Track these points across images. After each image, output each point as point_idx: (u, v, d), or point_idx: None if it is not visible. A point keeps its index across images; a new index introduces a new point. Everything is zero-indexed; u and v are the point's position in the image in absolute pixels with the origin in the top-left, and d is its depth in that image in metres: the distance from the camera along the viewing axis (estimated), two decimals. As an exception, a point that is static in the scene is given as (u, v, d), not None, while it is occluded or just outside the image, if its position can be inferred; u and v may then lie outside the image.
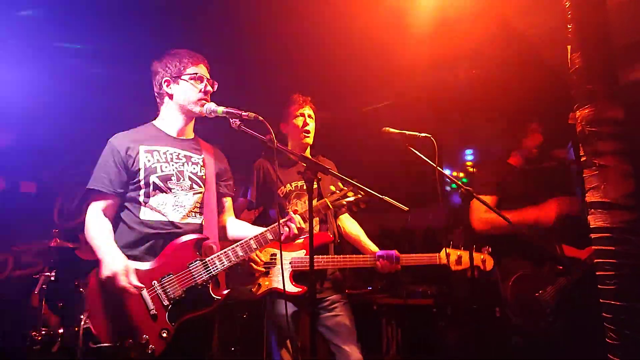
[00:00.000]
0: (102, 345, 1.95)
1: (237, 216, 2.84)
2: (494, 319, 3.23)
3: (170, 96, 2.31)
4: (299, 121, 2.94)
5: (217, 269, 2.17)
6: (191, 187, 2.27)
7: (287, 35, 3.93)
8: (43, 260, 4.29)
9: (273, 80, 4.63)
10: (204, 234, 2.24)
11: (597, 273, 2.14)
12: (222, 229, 2.46)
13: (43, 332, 3.54)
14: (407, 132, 2.66)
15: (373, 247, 2.91)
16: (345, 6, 3.45)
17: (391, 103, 4.96)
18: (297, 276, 2.68)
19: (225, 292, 2.18)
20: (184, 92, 2.28)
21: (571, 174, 4.21)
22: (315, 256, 2.65)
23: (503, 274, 3.11)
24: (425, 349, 4.80)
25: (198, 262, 2.14)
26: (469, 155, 6.01)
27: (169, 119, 2.35)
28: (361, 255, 2.84)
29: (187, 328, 2.09)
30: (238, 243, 2.25)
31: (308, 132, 2.93)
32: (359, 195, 2.43)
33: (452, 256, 2.82)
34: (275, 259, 2.73)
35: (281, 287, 2.59)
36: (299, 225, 2.28)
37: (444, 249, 2.81)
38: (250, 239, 2.26)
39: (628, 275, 2.05)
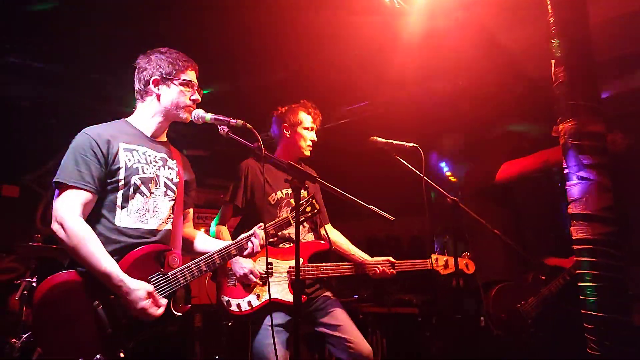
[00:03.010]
0: None
1: (227, 222, 2.79)
2: (478, 329, 3.25)
3: (158, 96, 2.15)
4: (308, 133, 2.90)
5: (179, 284, 2.00)
6: (166, 194, 2.13)
7: (276, 45, 3.95)
8: (24, 266, 4.21)
9: (261, 88, 4.64)
10: (169, 244, 2.08)
11: (579, 284, 2.18)
12: (184, 241, 2.30)
13: (23, 339, 3.47)
14: (395, 142, 2.68)
15: (364, 254, 2.90)
16: (335, 17, 3.48)
17: (380, 112, 5.00)
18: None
19: (188, 307, 2.01)
20: (174, 97, 2.15)
21: (555, 184, 4.29)
22: (314, 264, 2.72)
23: (485, 284, 3.14)
24: (410, 358, 4.79)
25: (160, 276, 1.95)
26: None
27: (148, 118, 2.18)
28: (357, 262, 2.83)
29: (150, 347, 1.91)
30: (202, 258, 2.10)
31: (311, 146, 2.91)
32: (315, 211, 2.40)
33: (439, 261, 2.88)
34: (272, 268, 2.71)
35: (280, 297, 2.61)
36: (262, 242, 2.18)
37: (432, 254, 2.88)
38: (214, 254, 2.11)
39: (608, 287, 2.08)
